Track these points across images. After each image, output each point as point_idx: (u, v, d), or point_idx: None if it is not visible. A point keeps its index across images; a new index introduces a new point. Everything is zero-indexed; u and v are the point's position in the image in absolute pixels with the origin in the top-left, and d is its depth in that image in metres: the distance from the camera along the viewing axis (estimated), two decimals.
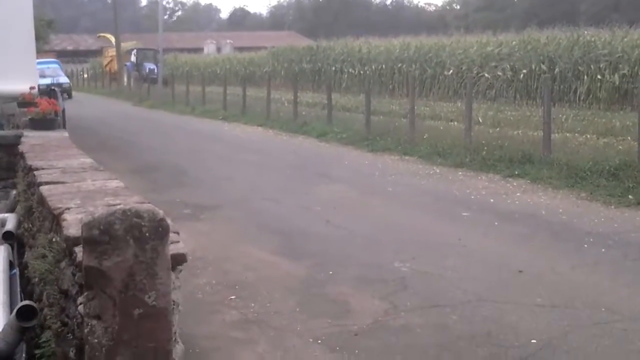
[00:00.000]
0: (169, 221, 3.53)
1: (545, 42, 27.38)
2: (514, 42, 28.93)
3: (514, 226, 8.62)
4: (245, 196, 10.88)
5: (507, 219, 8.94)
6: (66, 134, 10.74)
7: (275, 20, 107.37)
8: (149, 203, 4.48)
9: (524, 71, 26.69)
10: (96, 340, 3.41)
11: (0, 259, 6.25)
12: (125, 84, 46.19)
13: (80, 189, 5.70)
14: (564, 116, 19.16)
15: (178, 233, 4.22)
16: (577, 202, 9.84)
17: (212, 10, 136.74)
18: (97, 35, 74.00)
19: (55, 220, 4.91)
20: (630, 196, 9.63)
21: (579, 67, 24.81)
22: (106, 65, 55.74)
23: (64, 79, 39.17)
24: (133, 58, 50.40)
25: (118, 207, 3.53)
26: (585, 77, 24.43)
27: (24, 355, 4.74)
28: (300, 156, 15.32)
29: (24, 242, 7.14)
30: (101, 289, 3.40)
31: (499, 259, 7.16)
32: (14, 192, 9.16)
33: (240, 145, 17.53)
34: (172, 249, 3.68)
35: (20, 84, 12.36)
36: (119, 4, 53.26)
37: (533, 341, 5.09)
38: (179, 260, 3.91)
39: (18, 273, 6.32)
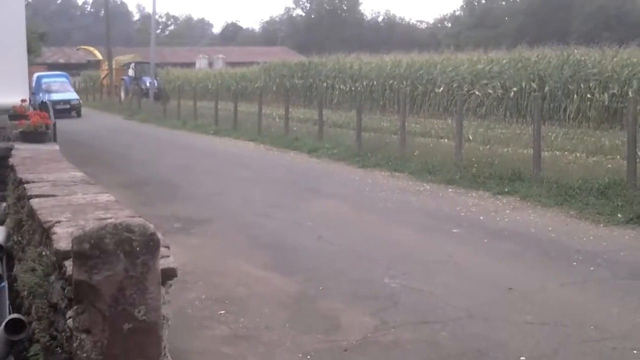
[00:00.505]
0: (159, 235, 3.53)
1: (536, 60, 27.56)
2: (504, 60, 29.09)
3: (503, 243, 8.64)
4: (237, 211, 10.88)
5: (497, 236, 8.97)
6: (57, 147, 10.72)
7: (268, 36, 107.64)
8: (140, 217, 4.48)
9: (515, 89, 26.83)
10: (85, 355, 3.40)
11: None
12: (122, 98, 45.22)
13: (71, 203, 5.69)
14: (554, 134, 19.27)
15: (168, 247, 4.22)
16: (567, 220, 9.87)
17: (204, 25, 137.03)
18: (77, 48, 72.93)
19: (45, 233, 4.90)
20: (619, 215, 9.67)
21: (569, 86, 24.95)
22: (103, 78, 54.10)
23: (72, 95, 35.92)
24: (131, 72, 48.49)
25: (109, 221, 3.53)
26: (575, 95, 24.57)
27: None
28: (291, 171, 15.34)
29: (13, 255, 7.11)
30: (91, 303, 3.40)
31: (489, 276, 7.17)
32: (4, 204, 9.11)
33: (232, 160, 17.53)
34: (163, 263, 3.68)
35: (12, 97, 12.35)
36: (112, 17, 53.21)
37: (522, 358, 5.10)
38: (169, 274, 3.91)
39: (7, 286, 6.29)
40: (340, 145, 17.97)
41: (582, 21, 72.73)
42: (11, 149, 10.01)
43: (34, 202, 5.76)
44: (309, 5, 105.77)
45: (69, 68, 67.18)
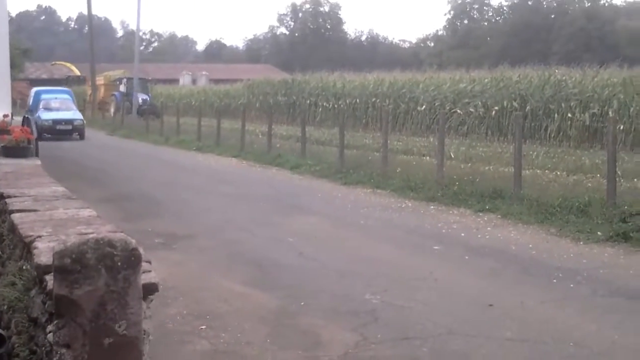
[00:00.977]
0: (141, 250, 3.54)
1: (517, 80, 27.83)
2: (486, 80, 29.36)
3: (484, 260, 8.69)
4: (219, 227, 10.87)
5: (478, 254, 9.01)
6: (39, 162, 10.69)
7: (251, 53, 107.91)
8: (121, 232, 4.49)
9: (496, 108, 27.06)
10: None
11: None
12: (112, 115, 43.12)
13: (52, 217, 5.69)
14: (535, 153, 19.43)
15: (150, 262, 4.23)
16: (547, 237, 9.94)
17: (188, 42, 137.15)
18: (52, 63, 71.35)
19: (26, 248, 4.89)
20: (598, 232, 9.75)
21: (550, 105, 25.20)
22: (91, 94, 52.30)
23: (75, 115, 30.80)
24: (122, 88, 46.07)
25: (90, 236, 3.54)
26: (556, 115, 24.82)
27: None
28: (273, 188, 15.35)
29: None
30: (71, 318, 3.40)
31: (470, 293, 7.21)
32: None
33: (214, 176, 17.52)
34: (144, 278, 3.69)
35: None
36: (95, 34, 53.00)
37: None
38: (150, 289, 3.92)
39: None
40: (323, 162, 18.02)
41: (563, 42, 73.58)
42: None
43: (15, 216, 5.75)
44: (292, 23, 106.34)
45: (52, 84, 66.83)
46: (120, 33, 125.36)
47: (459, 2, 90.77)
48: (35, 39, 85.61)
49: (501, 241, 9.74)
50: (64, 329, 3.42)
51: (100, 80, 51.38)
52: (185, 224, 11.00)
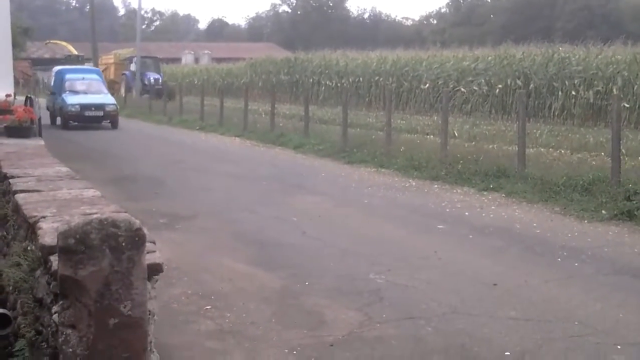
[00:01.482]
0: (145, 231, 3.53)
1: (521, 57, 27.70)
2: (490, 57, 29.23)
3: (488, 239, 8.68)
4: (222, 206, 10.87)
5: (482, 232, 9.01)
6: (42, 143, 10.68)
7: (254, 32, 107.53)
8: (125, 212, 4.48)
9: (500, 86, 26.96)
10: (71, 350, 3.40)
11: None
12: (123, 95, 41.39)
13: (56, 198, 5.69)
14: (539, 131, 19.37)
15: (154, 243, 4.23)
16: (551, 216, 9.93)
17: (190, 20, 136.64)
18: (45, 42, 70.08)
19: (31, 228, 4.89)
20: (603, 211, 9.73)
21: (554, 83, 25.11)
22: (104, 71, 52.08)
23: (107, 99, 26.12)
24: (133, 67, 43.07)
25: (94, 216, 3.54)
26: (560, 93, 24.74)
27: None
28: (277, 167, 15.33)
29: None
30: (76, 298, 3.40)
31: (474, 272, 7.21)
32: None
33: (217, 156, 17.50)
34: (148, 258, 3.69)
35: None
36: (97, 13, 52.58)
37: (507, 354, 5.13)
38: (155, 270, 3.92)
39: None
40: (326, 141, 17.99)
41: (566, 19, 73.07)
42: None
43: (19, 197, 5.75)
44: (295, 1, 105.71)
45: (54, 63, 66.44)
46: (122, 12, 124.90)
47: None
48: (36, 17, 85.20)
49: (505, 220, 9.73)
50: (69, 310, 3.42)
51: (109, 59, 50.15)
52: (188, 204, 11.00)
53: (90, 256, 3.37)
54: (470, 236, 8.82)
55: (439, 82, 29.53)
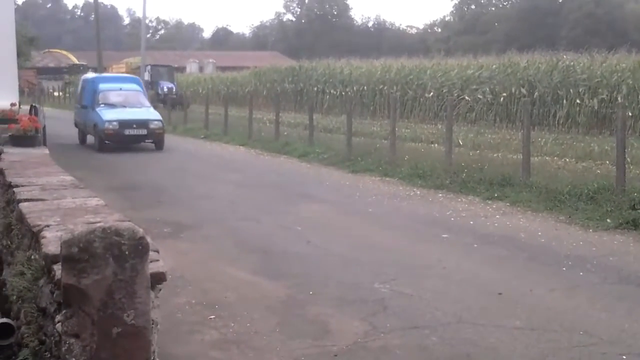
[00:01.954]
0: (148, 239, 3.52)
1: (525, 66, 27.68)
2: (494, 66, 29.20)
3: (493, 248, 8.66)
4: (226, 215, 10.86)
5: (487, 241, 8.98)
6: (47, 151, 10.69)
7: (258, 41, 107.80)
8: (129, 221, 4.47)
9: (504, 94, 26.93)
10: (74, 359, 3.38)
11: None
12: None
13: (60, 207, 5.68)
14: (543, 140, 19.34)
15: (158, 251, 4.21)
16: (556, 225, 9.90)
17: (195, 29, 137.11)
18: (43, 51, 69.93)
19: (34, 237, 4.88)
20: (608, 220, 9.70)
21: (558, 92, 25.07)
22: None
23: (151, 114, 21.41)
24: (147, 76, 40.92)
25: (98, 225, 3.52)
26: (565, 101, 24.70)
27: None
28: (281, 176, 15.33)
29: (2, 259, 7.07)
30: (80, 307, 3.39)
31: (479, 281, 7.18)
32: None
33: (222, 165, 17.51)
34: (152, 267, 3.67)
35: (1, 100, 12.31)
36: (102, 21, 52.73)
37: None
38: (158, 279, 3.90)
39: None
40: (331, 150, 17.99)
41: (571, 27, 73.09)
42: (0, 153, 9.97)
43: (23, 206, 5.74)
44: (299, 10, 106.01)
45: (59, 72, 66.47)
46: (126, 20, 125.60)
47: None
48: (41, 27, 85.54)
49: (510, 229, 9.70)
50: (72, 319, 3.41)
51: (121, 67, 50.03)
52: (192, 213, 10.99)
53: (93, 265, 3.35)
54: (475, 245, 8.79)
55: (444, 91, 29.51)
